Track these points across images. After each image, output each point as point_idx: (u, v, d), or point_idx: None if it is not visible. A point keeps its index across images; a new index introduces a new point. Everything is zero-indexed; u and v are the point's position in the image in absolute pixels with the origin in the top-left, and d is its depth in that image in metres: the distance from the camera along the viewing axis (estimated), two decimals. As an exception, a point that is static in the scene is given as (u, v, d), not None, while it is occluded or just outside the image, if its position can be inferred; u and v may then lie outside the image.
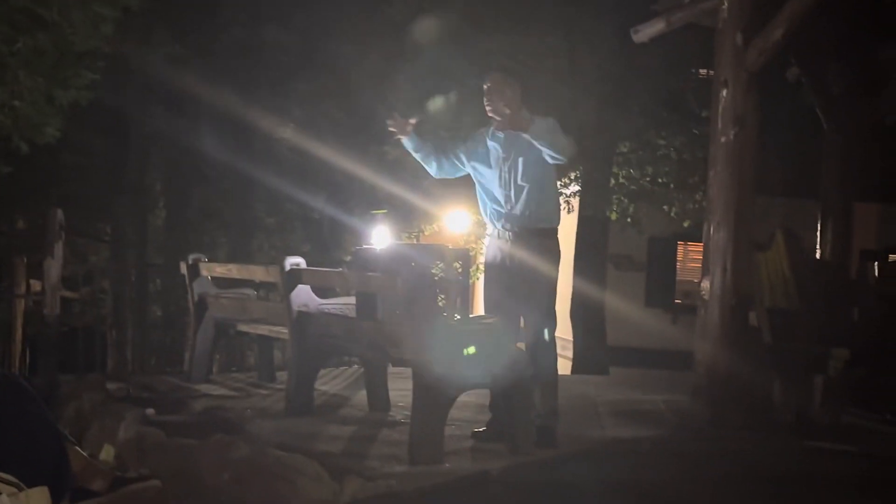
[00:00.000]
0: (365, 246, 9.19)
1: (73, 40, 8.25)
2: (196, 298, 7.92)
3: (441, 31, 11.13)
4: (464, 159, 5.78)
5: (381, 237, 10.17)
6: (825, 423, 6.31)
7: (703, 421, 6.44)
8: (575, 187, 12.39)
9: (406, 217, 13.56)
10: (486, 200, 5.71)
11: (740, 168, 6.52)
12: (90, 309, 13.55)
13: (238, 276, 7.94)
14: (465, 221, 15.07)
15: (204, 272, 7.93)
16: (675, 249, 17.02)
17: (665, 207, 13.45)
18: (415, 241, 14.37)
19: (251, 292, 8.37)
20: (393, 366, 6.83)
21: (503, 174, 5.59)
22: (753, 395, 6.28)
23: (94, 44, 8.55)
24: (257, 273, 7.59)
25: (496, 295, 5.64)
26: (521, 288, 5.51)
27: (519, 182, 5.52)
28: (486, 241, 5.79)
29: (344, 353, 8.10)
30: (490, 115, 5.63)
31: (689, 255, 16.88)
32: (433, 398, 4.96)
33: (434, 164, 5.86)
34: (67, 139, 10.22)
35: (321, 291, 6.93)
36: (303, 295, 6.54)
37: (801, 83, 8.88)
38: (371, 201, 12.64)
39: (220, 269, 8.03)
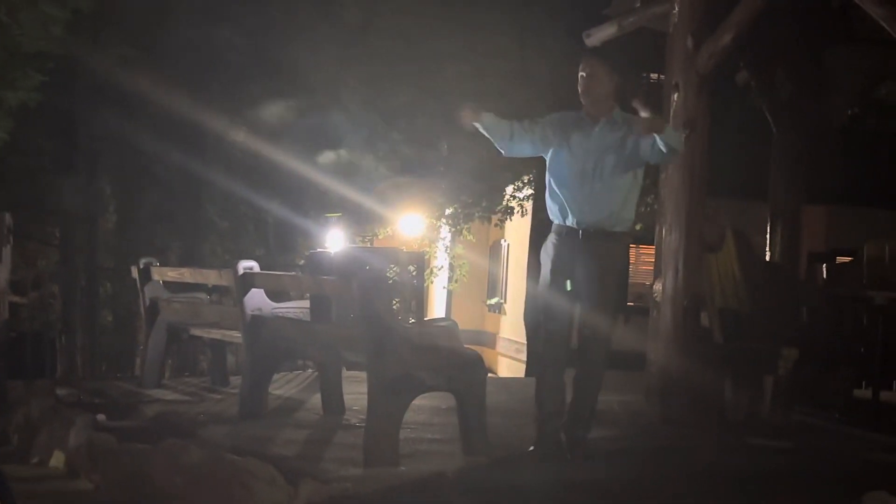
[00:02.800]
0: (319, 249, 9.17)
1: (22, 41, 8.16)
2: (147, 303, 7.85)
3: (394, 34, 11.15)
4: (551, 138, 5.27)
5: (335, 240, 10.16)
6: (775, 422, 6.40)
7: (656, 420, 6.51)
8: (529, 191, 12.45)
9: (360, 220, 13.53)
10: (557, 192, 5.26)
11: (691, 171, 6.60)
12: (39, 314, 13.37)
13: (191, 280, 7.88)
14: (419, 225, 15.09)
15: (155, 276, 7.86)
16: (628, 252, 17.14)
17: (617, 210, 13.53)
18: (369, 245, 14.35)
19: (204, 296, 8.32)
20: (347, 369, 6.82)
21: (587, 170, 5.17)
22: (705, 394, 6.35)
23: (43, 45, 8.46)
24: (210, 277, 7.54)
25: (555, 297, 5.23)
26: (585, 291, 5.15)
27: (604, 179, 5.13)
28: (550, 237, 5.32)
29: (298, 356, 8.08)
30: (585, 103, 5.25)
31: (642, 258, 17.03)
32: (388, 401, 4.96)
33: (509, 142, 5.29)
34: (15, 141, 10.09)
35: (275, 295, 6.91)
36: (256, 299, 6.51)
37: (751, 87, 9.00)
38: (325, 204, 12.60)
39: (172, 273, 7.97)
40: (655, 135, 4.98)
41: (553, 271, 5.24)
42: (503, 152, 5.44)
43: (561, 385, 5.27)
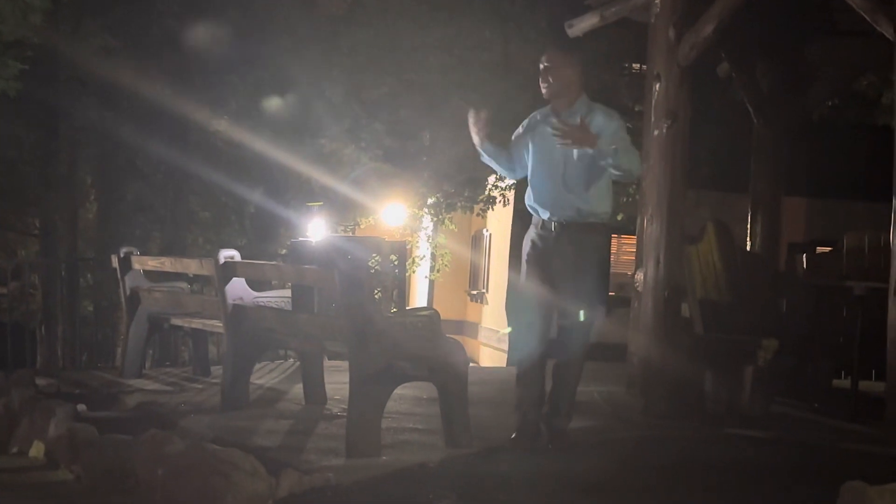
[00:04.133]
0: (301, 239, 9.15)
1: (1, 30, 8.11)
2: (128, 293, 7.83)
3: (376, 25, 11.13)
4: (522, 149, 5.34)
5: (316, 230, 10.15)
6: (755, 413, 6.42)
7: (637, 411, 6.53)
8: (510, 181, 12.47)
9: (342, 210, 13.53)
10: (535, 188, 5.28)
11: (673, 161, 6.62)
12: (19, 304, 13.31)
13: (171, 270, 7.86)
14: (402, 215, 15.09)
15: (136, 266, 7.84)
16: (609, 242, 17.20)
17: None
18: (351, 234, 14.34)
19: (185, 286, 8.30)
20: (329, 359, 6.84)
21: (556, 162, 5.18)
22: (685, 385, 6.38)
23: (23, 34, 8.41)
24: (191, 266, 7.53)
25: (533, 288, 5.26)
26: (562, 283, 5.16)
27: (573, 171, 5.13)
28: (529, 230, 5.34)
29: (280, 346, 8.07)
30: (546, 97, 5.27)
31: (623, 248, 17.09)
32: (370, 391, 4.97)
33: (509, 169, 5.43)
34: (-6, 131, 10.04)
35: (257, 284, 6.90)
36: (238, 288, 6.49)
37: (732, 78, 9.02)
38: (307, 194, 12.59)
39: (153, 263, 7.95)
40: (609, 156, 4.98)
41: (530, 263, 5.27)
42: (510, 179, 5.40)
43: (540, 375, 5.29)
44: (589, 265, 5.19)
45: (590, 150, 5.02)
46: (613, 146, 5.00)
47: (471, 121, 5.24)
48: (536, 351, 5.28)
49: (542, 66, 5.24)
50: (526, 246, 5.31)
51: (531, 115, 5.43)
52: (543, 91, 5.25)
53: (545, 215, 5.22)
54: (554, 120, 5.13)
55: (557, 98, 5.24)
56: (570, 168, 5.15)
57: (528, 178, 5.33)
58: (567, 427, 5.36)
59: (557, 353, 5.29)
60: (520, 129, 5.42)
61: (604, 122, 5.14)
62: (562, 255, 5.16)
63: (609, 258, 5.30)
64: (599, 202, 5.20)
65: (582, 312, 5.17)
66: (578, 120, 5.05)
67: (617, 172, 5.09)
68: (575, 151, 5.09)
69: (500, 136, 5.56)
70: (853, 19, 6.43)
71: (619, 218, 13.65)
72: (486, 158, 5.46)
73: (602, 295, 5.33)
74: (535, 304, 5.25)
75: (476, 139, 5.26)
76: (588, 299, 5.19)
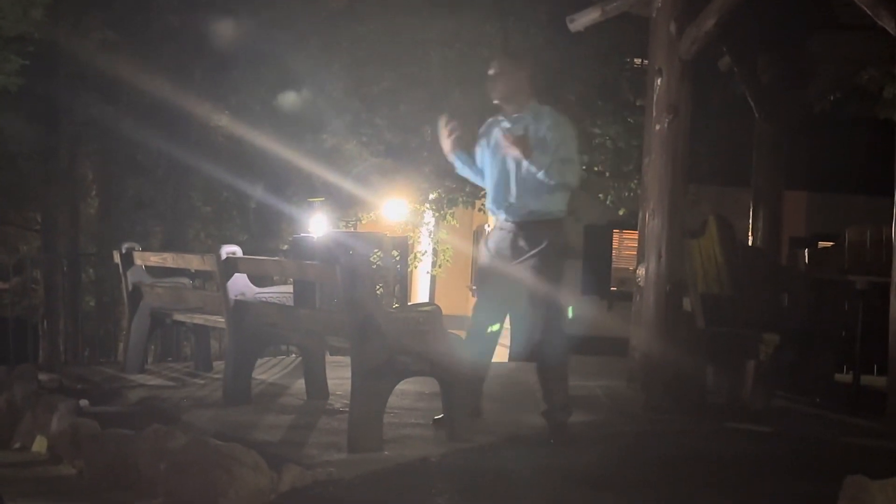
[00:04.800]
0: (302, 234, 9.15)
1: (2, 25, 8.10)
2: (130, 288, 7.82)
3: (377, 20, 11.12)
4: (479, 156, 5.58)
5: (318, 225, 10.15)
6: (756, 407, 6.43)
7: (638, 406, 6.54)
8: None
9: (343, 205, 13.52)
10: (490, 190, 5.50)
11: (674, 156, 6.61)
12: (21, 299, 13.30)
13: (173, 265, 7.86)
14: (403, 210, 15.08)
15: (138, 261, 7.83)
16: (611, 237, 17.22)
17: (601, 196, 13.59)
18: (352, 230, 14.34)
19: (187, 281, 8.30)
20: (331, 354, 6.84)
21: (507, 163, 5.37)
22: (687, 379, 6.39)
23: (24, 28, 8.40)
24: (193, 262, 7.52)
25: (492, 287, 5.47)
26: (522, 281, 5.30)
27: (522, 172, 5.30)
28: (489, 231, 5.60)
29: (282, 341, 8.07)
30: (495, 102, 5.43)
31: (625, 243, 17.09)
32: (372, 386, 4.97)
33: (480, 176, 5.64)
34: (-4, 126, 10.03)
35: (258, 280, 6.90)
36: (240, 283, 6.49)
37: (733, 73, 9.02)
38: (308, 189, 12.59)
39: (155, 258, 7.94)
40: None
41: (484, 268, 5.54)
42: (482, 185, 5.70)
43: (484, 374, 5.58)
44: (546, 264, 5.33)
45: (524, 162, 5.22)
46: (549, 160, 5.19)
47: (441, 131, 5.46)
48: (482, 353, 5.54)
49: (490, 73, 5.42)
50: (484, 247, 5.55)
51: (487, 121, 5.59)
52: (493, 96, 5.43)
53: (502, 216, 5.42)
54: (498, 130, 5.35)
55: (507, 103, 5.41)
56: (522, 170, 5.31)
57: (486, 181, 5.52)
58: (566, 420, 5.43)
59: (537, 354, 5.41)
60: (480, 141, 5.59)
61: (549, 130, 5.30)
62: (519, 253, 5.33)
63: (565, 254, 5.47)
64: (553, 201, 5.36)
65: (547, 311, 5.33)
66: (522, 128, 5.25)
67: (552, 182, 5.27)
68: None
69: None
70: (854, 13, 6.44)
71: (621, 212, 13.66)
72: (459, 169, 5.68)
73: (560, 291, 5.46)
74: (489, 306, 5.50)
75: (446, 147, 5.48)
76: (547, 298, 5.33)
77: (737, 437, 5.75)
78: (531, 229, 5.32)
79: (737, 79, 9.00)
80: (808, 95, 8.87)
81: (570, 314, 5.39)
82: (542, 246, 5.30)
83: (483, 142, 5.54)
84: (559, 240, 5.41)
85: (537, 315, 5.32)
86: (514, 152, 5.21)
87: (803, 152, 9.98)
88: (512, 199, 5.37)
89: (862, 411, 6.56)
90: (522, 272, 5.31)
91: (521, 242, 5.33)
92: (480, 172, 5.61)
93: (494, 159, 5.44)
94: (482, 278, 5.61)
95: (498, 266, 5.43)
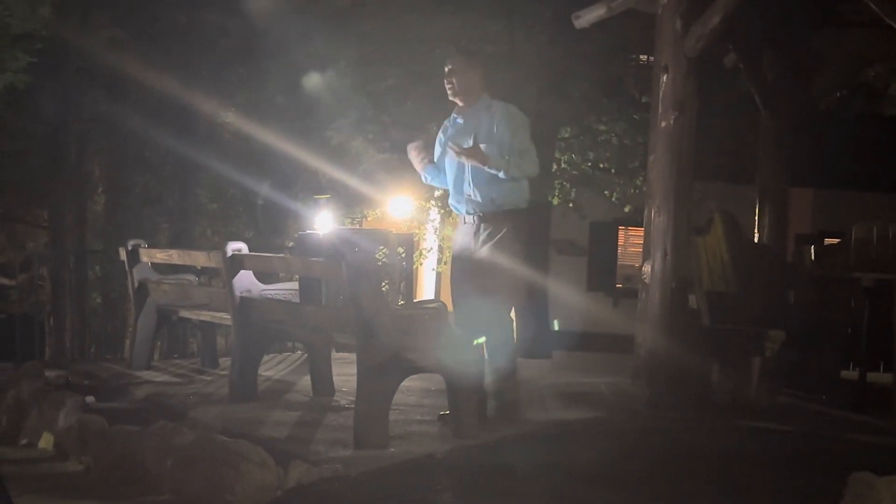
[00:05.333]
0: (308, 231, 9.17)
1: (10, 23, 8.13)
2: (136, 285, 7.85)
3: (383, 17, 11.11)
4: (440, 157, 5.81)
5: (324, 222, 10.16)
6: (761, 404, 6.43)
7: (643, 402, 6.54)
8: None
9: (349, 202, 13.53)
10: (451, 187, 5.69)
11: (680, 153, 6.61)
12: (28, 296, 13.34)
13: (179, 262, 7.88)
14: (409, 207, 15.08)
15: (144, 258, 7.86)
16: (616, 234, 17.21)
17: (606, 192, 13.57)
18: (358, 227, 14.35)
19: (193, 278, 8.32)
20: (337, 351, 6.86)
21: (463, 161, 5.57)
22: (692, 376, 6.39)
23: (32, 26, 8.43)
24: (199, 259, 7.54)
25: (463, 282, 5.62)
26: (482, 273, 5.48)
27: (479, 166, 5.49)
28: (456, 228, 5.82)
29: (288, 338, 8.09)
30: (451, 98, 5.66)
31: (630, 240, 17.09)
32: (378, 382, 4.98)
33: (445, 182, 5.84)
34: (4, 123, 10.07)
35: (264, 277, 6.92)
36: (245, 280, 6.51)
37: (739, 70, 9.01)
38: (314, 186, 12.61)
39: (161, 255, 7.97)
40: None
41: (454, 258, 5.72)
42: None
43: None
44: (499, 251, 5.47)
45: (490, 125, 5.49)
46: (505, 157, 5.40)
47: (412, 155, 5.74)
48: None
49: (446, 70, 5.65)
50: (453, 246, 5.75)
51: (443, 123, 5.84)
52: (448, 92, 5.66)
53: (463, 210, 5.61)
54: (451, 144, 5.55)
55: (460, 98, 5.65)
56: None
57: (447, 178, 5.72)
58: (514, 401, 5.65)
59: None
60: (439, 144, 5.83)
61: (500, 122, 5.51)
62: (478, 248, 5.51)
63: (526, 244, 5.66)
64: (512, 191, 5.53)
65: (495, 302, 5.48)
66: (479, 115, 5.53)
67: (511, 178, 5.46)
68: (482, 145, 5.43)
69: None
70: (860, 9, 6.43)
71: (627, 209, 13.65)
72: (428, 181, 5.93)
73: (517, 282, 5.65)
74: (462, 297, 5.61)
75: (418, 168, 5.77)
76: (501, 288, 5.49)
77: (741, 434, 5.75)
78: (490, 220, 5.51)
79: (742, 76, 9.00)
80: (813, 92, 8.86)
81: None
82: (500, 234, 5.47)
83: (441, 140, 5.79)
84: (520, 229, 5.57)
85: (484, 304, 5.47)
86: (472, 162, 5.44)
87: (809, 149, 9.96)
88: (470, 193, 5.55)
89: (867, 408, 6.56)
90: (478, 260, 5.50)
91: (482, 234, 5.52)
92: (445, 177, 5.80)
93: (451, 157, 5.63)
94: (453, 274, 5.77)
95: (464, 259, 5.61)
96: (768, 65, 8.57)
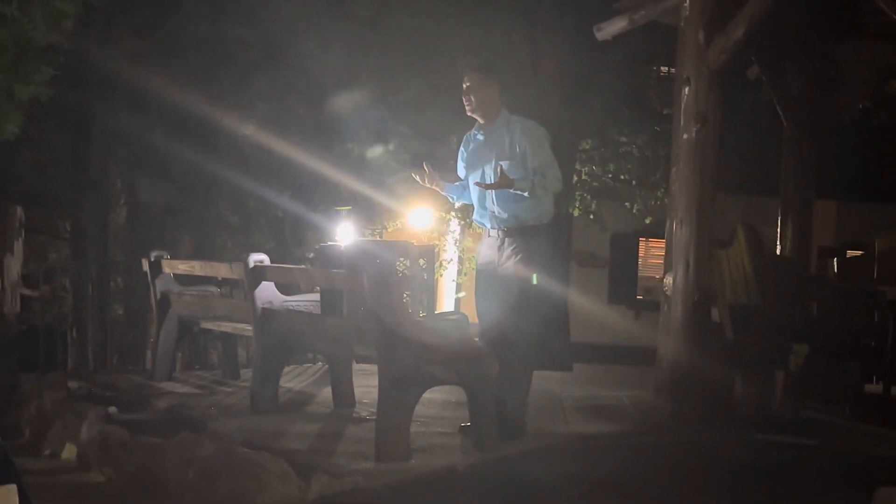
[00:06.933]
0: (329, 243, 9.17)
1: (34, 35, 8.17)
2: (158, 296, 7.87)
3: (405, 28, 11.13)
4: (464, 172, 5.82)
5: (345, 234, 10.16)
6: (785, 417, 6.39)
7: (666, 415, 6.50)
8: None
9: (370, 214, 13.53)
10: (475, 202, 5.71)
11: (702, 165, 6.58)
12: (50, 307, 13.38)
13: (201, 273, 7.90)
14: (429, 218, 15.08)
15: (166, 269, 7.88)
16: (638, 246, 17.16)
17: (627, 204, 13.55)
18: (379, 238, 14.36)
19: (214, 289, 8.34)
20: (358, 362, 6.84)
21: (485, 174, 5.60)
22: (715, 389, 6.35)
23: (55, 39, 8.47)
24: (221, 270, 7.56)
25: (488, 294, 5.62)
26: (506, 287, 5.48)
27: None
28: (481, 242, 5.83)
29: (309, 349, 8.10)
30: (469, 114, 5.67)
31: (651, 252, 17.03)
32: (399, 395, 4.97)
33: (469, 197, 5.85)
34: (27, 136, 10.11)
35: (285, 288, 6.92)
36: (267, 292, 6.52)
37: (762, 81, 8.97)
38: (335, 198, 12.60)
39: (183, 266, 7.99)
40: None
41: (479, 272, 5.73)
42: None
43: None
44: (524, 271, 5.47)
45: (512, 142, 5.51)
46: (531, 178, 5.41)
47: (426, 182, 5.72)
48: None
49: (463, 87, 5.67)
50: (477, 258, 5.78)
51: (465, 137, 5.85)
52: (466, 108, 5.67)
53: (489, 225, 5.62)
54: (477, 182, 5.58)
55: (478, 114, 5.66)
56: (495, 178, 5.47)
57: (471, 195, 5.72)
58: (518, 418, 5.56)
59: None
60: (461, 160, 5.85)
61: (521, 138, 5.52)
62: (501, 263, 5.52)
63: (549, 258, 5.71)
64: (535, 207, 5.53)
65: (515, 320, 5.46)
66: (500, 132, 5.55)
67: (535, 197, 5.46)
68: (505, 163, 5.44)
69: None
70: (884, 21, 6.40)
71: (648, 221, 13.61)
72: (455, 199, 6.00)
73: (537, 301, 5.59)
74: (485, 312, 5.60)
75: (439, 190, 5.80)
76: (520, 306, 5.46)
77: (765, 448, 5.71)
78: (515, 235, 5.52)
79: (765, 87, 8.96)
80: (837, 104, 8.80)
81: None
82: (524, 249, 5.48)
83: (463, 155, 5.81)
84: (543, 244, 5.59)
85: (506, 318, 5.46)
86: (500, 188, 5.44)
87: (832, 161, 9.90)
88: (494, 210, 5.56)
89: (892, 422, 6.50)
90: (502, 274, 5.50)
91: (507, 248, 5.52)
92: (467, 188, 5.82)
93: (475, 172, 5.67)
94: (477, 287, 5.78)
95: (489, 272, 5.61)
96: (791, 76, 8.53)
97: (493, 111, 5.63)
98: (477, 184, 5.56)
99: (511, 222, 5.52)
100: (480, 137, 5.68)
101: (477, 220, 5.79)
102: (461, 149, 5.86)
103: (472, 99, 5.61)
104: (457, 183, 5.86)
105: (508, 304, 5.47)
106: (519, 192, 5.41)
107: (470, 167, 5.73)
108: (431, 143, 12.42)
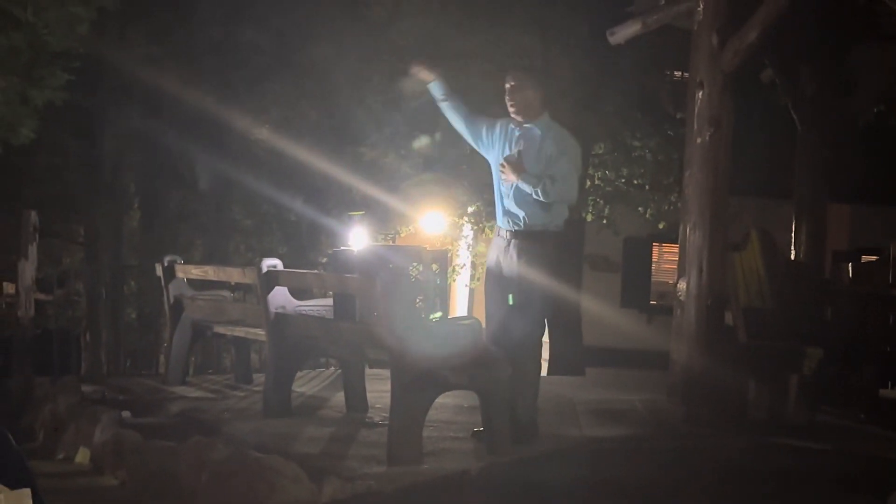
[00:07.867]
0: (342, 247, 9.18)
1: (48, 40, 8.22)
2: (172, 300, 7.89)
3: (418, 33, 11.15)
4: (484, 137, 5.75)
5: (358, 239, 10.17)
6: (799, 422, 6.37)
7: (679, 420, 6.49)
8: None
9: (383, 219, 13.54)
10: (495, 193, 5.70)
11: (716, 169, 6.56)
12: (64, 311, 13.43)
13: (214, 278, 7.91)
14: (442, 223, 15.08)
15: (180, 274, 7.90)
16: (651, 250, 17.13)
17: (640, 209, 13.53)
18: (392, 243, 14.37)
19: (227, 294, 8.35)
20: (370, 367, 6.85)
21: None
22: (728, 394, 6.33)
23: (69, 44, 8.51)
24: (234, 275, 7.57)
25: (495, 295, 5.61)
26: (511, 289, 5.48)
27: (521, 186, 5.48)
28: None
29: (321, 354, 8.10)
30: (513, 115, 5.64)
31: (664, 256, 17.00)
32: (412, 399, 4.97)
33: (458, 116, 5.81)
34: (42, 140, 10.15)
35: (298, 293, 6.93)
36: (280, 297, 6.53)
37: (776, 84, 8.95)
38: (348, 203, 12.61)
39: (196, 271, 8.01)
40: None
41: (487, 272, 5.70)
42: (452, 123, 5.90)
43: None
44: (532, 274, 5.45)
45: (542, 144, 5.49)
46: (542, 179, 5.38)
47: (415, 74, 5.81)
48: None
49: (507, 87, 5.64)
50: (488, 258, 5.75)
51: (502, 122, 5.74)
52: (510, 109, 5.63)
53: (500, 223, 5.63)
54: (503, 161, 5.54)
55: (520, 115, 5.62)
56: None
57: (494, 189, 5.72)
58: (530, 422, 5.56)
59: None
60: (487, 124, 5.76)
61: (552, 143, 5.51)
62: (508, 263, 5.50)
63: (555, 268, 5.61)
64: (548, 214, 5.51)
65: (523, 322, 5.45)
66: (537, 135, 5.51)
67: (547, 201, 5.44)
68: (530, 164, 5.45)
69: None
70: (899, 24, 6.37)
71: (661, 226, 13.58)
72: (442, 104, 5.89)
73: (544, 306, 5.58)
74: (493, 312, 5.60)
75: (427, 78, 5.83)
76: (528, 309, 5.46)
77: (779, 452, 5.69)
78: (521, 238, 5.50)
79: (779, 91, 8.93)
80: (851, 107, 8.78)
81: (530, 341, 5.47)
82: (528, 254, 5.46)
83: (489, 141, 5.72)
84: (548, 250, 5.54)
85: (513, 320, 5.45)
86: (511, 178, 5.44)
87: (846, 165, 9.87)
88: (508, 206, 5.56)
89: (907, 427, 6.47)
90: (507, 277, 5.50)
91: (512, 251, 5.51)
92: (467, 128, 5.78)
93: (496, 170, 5.63)
94: (486, 286, 5.76)
95: (496, 274, 5.61)
96: (805, 80, 8.51)
97: (535, 112, 5.59)
98: (502, 164, 5.49)
99: (520, 223, 5.50)
100: (517, 132, 5.62)
101: (497, 215, 5.75)
102: (495, 121, 5.74)
103: (515, 99, 5.58)
104: (456, 101, 5.80)
105: (511, 307, 5.47)
106: (527, 189, 5.39)
107: (495, 164, 5.65)
108: (444, 148, 12.43)
